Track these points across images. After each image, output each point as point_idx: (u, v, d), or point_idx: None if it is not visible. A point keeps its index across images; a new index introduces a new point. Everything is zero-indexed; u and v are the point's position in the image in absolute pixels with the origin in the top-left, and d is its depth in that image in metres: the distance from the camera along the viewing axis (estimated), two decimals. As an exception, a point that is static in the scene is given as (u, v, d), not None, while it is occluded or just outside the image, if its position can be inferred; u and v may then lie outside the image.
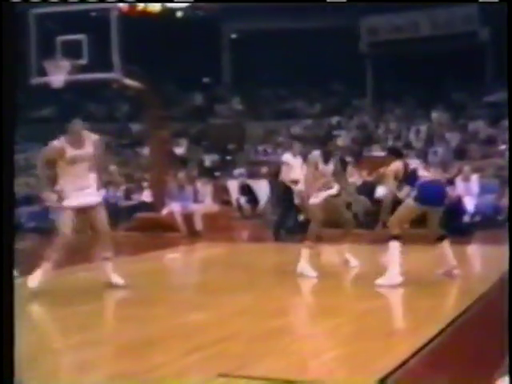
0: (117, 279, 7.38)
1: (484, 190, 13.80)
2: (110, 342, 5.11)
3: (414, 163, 7.73)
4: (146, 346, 5.02)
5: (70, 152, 7.12)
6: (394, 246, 7.10)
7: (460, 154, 17.42)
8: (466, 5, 21.42)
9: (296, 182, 11.13)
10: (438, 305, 6.20)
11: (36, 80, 13.79)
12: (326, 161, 8.17)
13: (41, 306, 6.51)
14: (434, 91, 21.85)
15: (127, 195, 15.19)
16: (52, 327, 5.68)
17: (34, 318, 5.96)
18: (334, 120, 21.77)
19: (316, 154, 8.24)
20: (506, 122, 18.24)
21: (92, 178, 7.14)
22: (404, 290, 7.08)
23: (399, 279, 7.02)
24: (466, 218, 12.82)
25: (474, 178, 13.93)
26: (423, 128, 19.43)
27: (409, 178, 7.43)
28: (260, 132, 22.49)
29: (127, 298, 7.38)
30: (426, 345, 4.70)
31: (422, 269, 8.19)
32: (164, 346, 4.99)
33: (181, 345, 4.93)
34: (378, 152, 17.40)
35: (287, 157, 11.91)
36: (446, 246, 7.58)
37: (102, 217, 7.25)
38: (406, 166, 7.49)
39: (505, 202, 13.28)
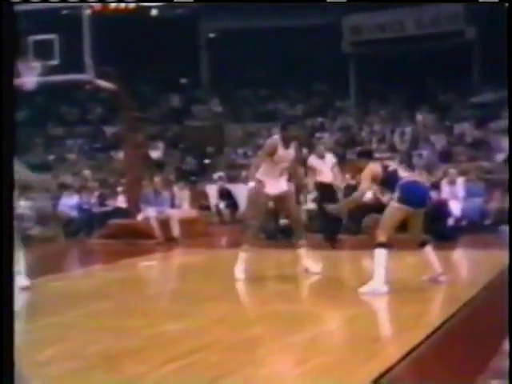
0: None
1: (470, 193, 13.90)
2: (85, 353, 5.11)
3: (393, 164, 7.73)
4: (122, 356, 5.03)
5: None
6: (380, 254, 7.05)
7: (445, 156, 17.57)
8: (452, 3, 21.62)
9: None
10: (424, 311, 6.26)
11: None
12: (287, 146, 8.11)
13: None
14: (419, 92, 22.01)
15: (101, 201, 15.17)
16: (24, 340, 5.67)
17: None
18: (317, 121, 21.86)
19: (275, 137, 8.27)
20: (494, 124, 18.46)
21: None
22: (389, 296, 7.15)
23: (385, 288, 6.99)
24: (452, 222, 12.91)
25: (460, 181, 14.04)
26: (408, 130, 19.57)
27: (389, 179, 7.41)
28: (240, 134, 22.56)
29: (102, 308, 7.39)
30: (411, 351, 4.75)
31: (407, 275, 8.24)
32: (141, 356, 5.01)
33: (158, 355, 4.95)
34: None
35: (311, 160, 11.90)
36: (430, 252, 7.56)
37: None
38: (384, 167, 7.49)
39: (491, 205, 13.43)
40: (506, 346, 4.52)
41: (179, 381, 4.42)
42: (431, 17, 22.06)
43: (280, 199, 8.26)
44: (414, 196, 7.33)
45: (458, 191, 13.78)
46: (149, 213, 13.13)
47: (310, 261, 8.42)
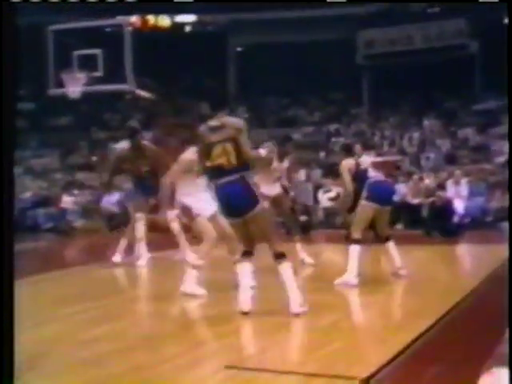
0: None
1: (473, 193, 13.81)
2: (128, 335, 5.12)
3: (366, 163, 7.62)
4: (162, 338, 5.04)
5: None
6: (354, 249, 7.01)
7: (451, 159, 17.41)
8: (456, 19, 21.49)
9: None
10: (429, 301, 6.20)
11: (54, 91, 13.88)
12: (281, 160, 8.52)
13: (57, 300, 6.52)
14: (426, 100, 21.88)
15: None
16: (70, 321, 5.70)
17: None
18: (333, 127, 21.78)
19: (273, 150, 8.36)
20: (494, 129, 18.28)
21: None
22: (397, 285, 7.10)
23: (355, 281, 6.92)
24: (456, 219, 12.83)
25: (464, 181, 13.95)
26: (416, 135, 19.44)
27: (359, 177, 7.44)
28: (265, 138, 22.51)
29: (142, 294, 7.42)
30: (416, 339, 4.71)
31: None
32: (178, 338, 5.00)
33: (190, 339, 4.96)
34: (373, 157, 17.37)
35: None
36: (392, 247, 7.40)
37: None
38: (356, 165, 7.48)
39: (492, 204, 13.32)
40: (507, 334, 4.46)
41: (209, 362, 4.42)
42: (437, 32, 21.96)
43: (274, 201, 8.44)
44: (380, 194, 7.25)
45: (462, 191, 13.70)
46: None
47: (305, 254, 8.58)
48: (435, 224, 12.23)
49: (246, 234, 5.66)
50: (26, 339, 5.01)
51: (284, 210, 8.79)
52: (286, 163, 8.70)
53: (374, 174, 7.36)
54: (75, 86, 13.42)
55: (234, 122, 5.72)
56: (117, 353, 4.58)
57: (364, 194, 7.20)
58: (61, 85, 13.66)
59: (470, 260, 10.35)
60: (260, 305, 5.68)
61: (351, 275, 6.95)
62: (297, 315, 5.41)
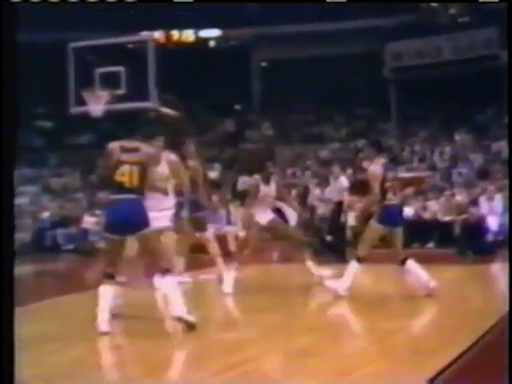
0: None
1: (507, 209, 13.62)
2: (145, 358, 5.12)
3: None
4: (181, 362, 5.04)
5: None
6: (353, 265, 7.37)
7: (483, 174, 17.26)
8: (487, 28, 21.39)
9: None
10: (462, 324, 6.12)
11: (76, 109, 14.01)
12: (267, 182, 8.51)
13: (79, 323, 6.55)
14: (457, 113, 21.75)
15: (163, 218, 15.26)
16: (96, 343, 5.72)
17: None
18: (360, 143, 21.70)
19: (256, 178, 8.62)
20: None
21: None
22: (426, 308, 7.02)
23: (344, 293, 7.30)
24: (490, 237, 12.69)
25: (498, 197, 13.79)
26: (447, 149, 19.32)
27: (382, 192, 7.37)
28: (289, 156, 22.51)
29: (163, 316, 7.42)
30: (452, 362, 4.65)
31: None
32: (199, 363, 5.00)
33: (215, 362, 4.94)
34: (403, 173, 17.31)
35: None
36: (413, 264, 7.45)
37: None
38: (385, 171, 7.41)
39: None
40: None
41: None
42: (467, 42, 21.87)
43: (270, 227, 8.59)
44: (390, 217, 7.40)
45: (495, 207, 13.54)
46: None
47: (319, 268, 8.59)
48: (468, 242, 12.11)
49: (117, 255, 6.05)
50: (46, 363, 5.05)
51: (285, 234, 8.83)
52: (273, 185, 8.64)
53: (391, 196, 7.43)
54: (97, 104, 13.53)
55: (150, 149, 6.24)
56: (138, 376, 4.58)
57: (376, 215, 7.38)
58: (82, 103, 13.79)
59: (506, 280, 10.19)
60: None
61: (342, 286, 7.32)
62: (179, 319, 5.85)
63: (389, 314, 6.83)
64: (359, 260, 7.34)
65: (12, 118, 3.46)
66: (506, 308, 6.60)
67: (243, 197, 18.05)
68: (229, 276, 8.48)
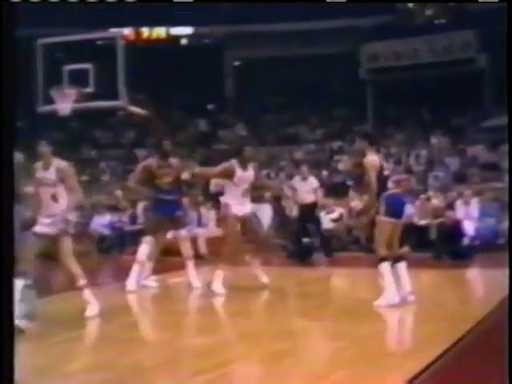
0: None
1: (483, 213, 13.76)
2: (117, 364, 5.08)
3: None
4: (152, 368, 5.00)
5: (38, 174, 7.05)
6: (384, 268, 7.04)
7: (460, 178, 17.41)
8: (464, 31, 21.60)
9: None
10: (439, 328, 6.16)
11: (43, 108, 13.89)
12: (244, 167, 8.33)
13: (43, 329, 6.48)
14: (434, 117, 21.92)
15: (132, 220, 15.20)
16: (56, 351, 5.66)
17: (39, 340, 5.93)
18: (336, 145, 21.80)
19: (233, 161, 8.37)
20: (505, 147, 18.29)
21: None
22: (400, 313, 7.07)
23: (397, 299, 6.97)
24: (466, 242, 12.79)
25: (474, 201, 13.90)
26: (423, 153, 19.46)
27: (381, 183, 7.18)
28: (263, 157, 22.53)
29: (133, 321, 7.38)
30: (427, 367, 4.67)
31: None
32: (170, 368, 4.97)
33: (186, 368, 4.92)
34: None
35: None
36: (403, 268, 7.30)
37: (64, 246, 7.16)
38: (381, 164, 7.25)
39: (504, 225, 13.25)
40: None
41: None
42: (444, 45, 22.05)
43: (244, 221, 8.47)
44: (397, 208, 7.24)
45: (472, 211, 13.64)
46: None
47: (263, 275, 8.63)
48: (444, 246, 12.21)
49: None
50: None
51: (254, 232, 8.63)
52: (250, 171, 8.44)
53: (390, 186, 7.36)
54: (65, 102, 13.43)
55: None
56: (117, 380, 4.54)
57: (382, 208, 7.09)
58: (50, 101, 13.68)
59: (482, 285, 10.30)
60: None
61: (391, 294, 6.99)
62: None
63: (364, 317, 6.84)
64: (384, 260, 7.05)
65: (12, 118, 3.44)
66: (483, 313, 6.69)
67: (215, 199, 18.08)
68: (218, 276, 8.37)
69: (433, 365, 4.76)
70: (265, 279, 8.62)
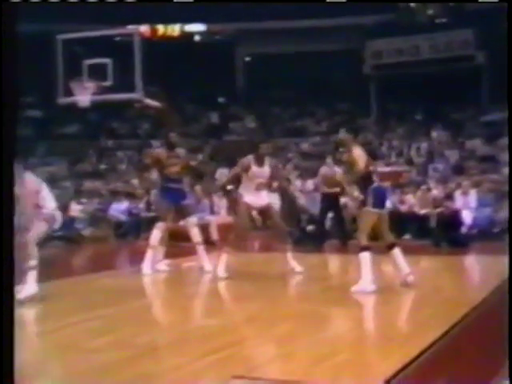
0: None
1: (481, 203, 13.73)
2: (131, 344, 5.08)
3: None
4: (163, 348, 5.00)
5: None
6: (364, 257, 7.02)
7: (459, 170, 17.35)
8: (464, 29, 21.49)
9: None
10: (436, 312, 6.14)
11: (63, 100, 13.92)
12: (260, 163, 8.24)
13: (63, 309, 6.50)
14: (434, 111, 21.83)
15: (148, 207, 15.22)
16: (76, 330, 5.67)
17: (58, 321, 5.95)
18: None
19: (249, 157, 8.29)
20: (503, 140, 18.21)
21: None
22: (400, 299, 7.05)
23: (372, 287, 6.96)
24: (464, 230, 12.77)
25: (472, 192, 13.87)
26: (424, 145, 19.39)
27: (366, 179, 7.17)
28: (271, 148, 22.48)
29: (146, 303, 7.40)
30: (423, 352, 4.63)
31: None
32: (179, 349, 4.97)
33: (195, 348, 4.92)
34: (381, 168, 17.35)
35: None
36: (398, 253, 7.31)
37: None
38: (368, 161, 7.23)
39: (500, 215, 13.22)
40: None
41: (216, 372, 4.37)
42: (445, 42, 21.96)
43: (263, 211, 8.60)
44: (382, 199, 7.26)
45: (470, 201, 13.61)
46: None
47: (295, 262, 8.53)
48: (443, 234, 12.18)
49: None
50: (29, 348, 5.02)
51: (275, 221, 8.60)
52: (266, 167, 8.33)
53: (376, 179, 7.33)
54: (84, 94, 13.45)
55: None
56: (122, 362, 4.54)
57: (370, 200, 7.09)
58: (70, 93, 13.70)
59: (478, 271, 10.28)
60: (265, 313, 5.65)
61: (367, 282, 6.97)
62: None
63: (365, 302, 6.84)
64: (365, 249, 7.03)
65: (12, 117, 3.37)
66: (479, 298, 6.66)
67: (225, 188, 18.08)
68: (222, 260, 8.36)
69: (429, 349, 4.74)
70: (298, 268, 8.54)
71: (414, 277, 7.28)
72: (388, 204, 7.84)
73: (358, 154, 7.20)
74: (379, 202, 7.17)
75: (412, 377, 4.17)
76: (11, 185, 3.42)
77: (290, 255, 8.59)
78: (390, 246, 7.31)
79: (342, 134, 7.55)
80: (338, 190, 11.74)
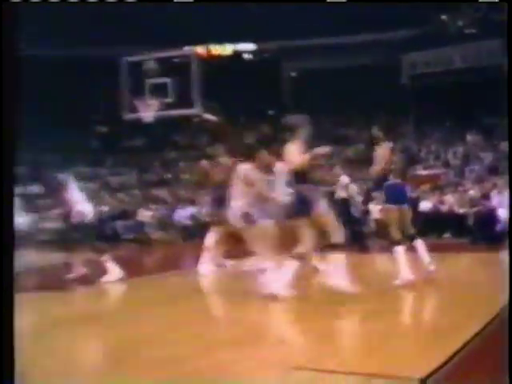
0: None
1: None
2: (202, 338, 5.05)
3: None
4: (223, 343, 4.93)
5: None
6: (398, 251, 6.87)
7: (493, 170, 16.98)
8: (491, 41, 21.07)
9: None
10: (470, 312, 5.86)
11: (129, 116, 14.12)
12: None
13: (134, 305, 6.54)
14: (467, 117, 21.46)
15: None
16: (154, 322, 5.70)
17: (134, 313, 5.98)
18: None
19: (246, 166, 7.66)
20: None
21: None
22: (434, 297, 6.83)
23: (412, 276, 6.78)
24: (500, 228, 12.46)
25: (507, 191, 13.53)
26: (460, 149, 19.05)
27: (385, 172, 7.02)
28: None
29: (210, 301, 7.39)
30: (459, 350, 4.28)
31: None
32: (236, 345, 4.88)
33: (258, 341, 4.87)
34: (420, 171, 17.18)
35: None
36: (420, 244, 7.11)
37: None
38: (390, 156, 7.04)
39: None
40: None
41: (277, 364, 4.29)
42: (474, 52, 21.62)
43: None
44: (397, 195, 7.06)
45: (505, 200, 13.27)
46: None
47: (317, 260, 8.01)
48: (480, 232, 11.91)
49: None
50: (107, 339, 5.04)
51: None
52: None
53: (391, 177, 7.15)
54: (148, 111, 13.63)
55: None
56: (193, 354, 4.53)
57: (383, 197, 7.07)
58: (135, 110, 13.90)
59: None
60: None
61: (406, 273, 6.81)
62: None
63: (403, 298, 6.66)
64: (398, 243, 6.89)
65: (12, 119, 3.22)
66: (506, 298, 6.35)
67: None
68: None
69: (477, 336, 4.56)
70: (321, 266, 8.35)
71: (434, 266, 7.07)
72: (407, 198, 7.51)
73: (382, 153, 7.06)
74: (395, 198, 7.02)
75: (461, 364, 4.00)
76: (11, 185, 3.28)
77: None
78: (412, 238, 7.15)
79: (374, 131, 7.46)
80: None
